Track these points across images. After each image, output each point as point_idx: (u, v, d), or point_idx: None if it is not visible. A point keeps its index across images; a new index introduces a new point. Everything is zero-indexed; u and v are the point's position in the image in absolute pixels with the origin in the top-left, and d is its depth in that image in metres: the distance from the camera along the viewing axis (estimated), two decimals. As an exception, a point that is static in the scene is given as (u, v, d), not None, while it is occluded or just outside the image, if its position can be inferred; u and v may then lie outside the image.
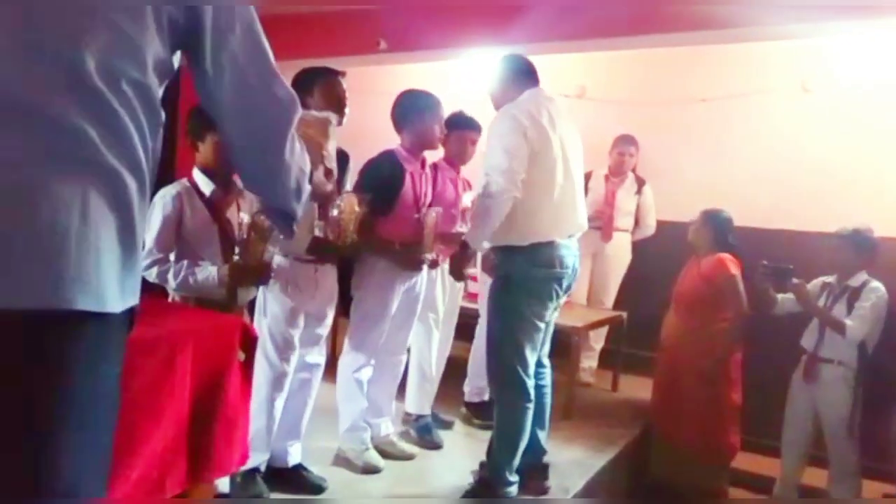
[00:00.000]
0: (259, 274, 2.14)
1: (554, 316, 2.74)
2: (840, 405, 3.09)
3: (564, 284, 2.62)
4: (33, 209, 0.90)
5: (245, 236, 2.06)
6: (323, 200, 2.26)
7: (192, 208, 2.18)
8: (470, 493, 2.70)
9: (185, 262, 2.14)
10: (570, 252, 2.62)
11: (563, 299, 2.77)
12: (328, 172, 1.94)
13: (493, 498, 2.63)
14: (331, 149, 1.73)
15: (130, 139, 0.98)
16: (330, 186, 2.03)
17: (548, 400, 2.84)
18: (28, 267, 0.89)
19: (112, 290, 0.97)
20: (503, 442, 2.64)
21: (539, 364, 2.75)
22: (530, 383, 2.60)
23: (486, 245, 2.73)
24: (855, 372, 3.07)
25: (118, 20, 0.96)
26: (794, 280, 3.21)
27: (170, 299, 2.24)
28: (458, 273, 2.70)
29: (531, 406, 2.62)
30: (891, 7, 3.21)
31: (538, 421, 2.77)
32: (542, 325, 2.62)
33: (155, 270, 2.12)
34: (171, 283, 2.15)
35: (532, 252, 2.53)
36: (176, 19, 1.02)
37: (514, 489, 2.65)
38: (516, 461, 2.64)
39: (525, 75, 2.71)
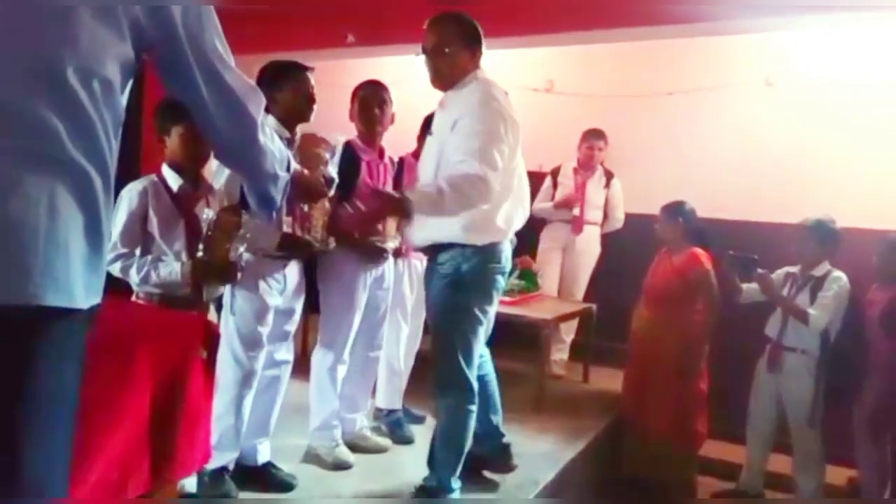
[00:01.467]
0: (224, 272, 2.11)
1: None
2: (803, 393, 3.16)
3: (506, 276, 2.55)
4: (1, 205, 0.90)
5: (209, 233, 2.03)
6: (310, 199, 2.29)
7: (158, 203, 2.15)
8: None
9: (149, 258, 2.11)
10: (510, 244, 2.54)
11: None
12: (328, 181, 2.11)
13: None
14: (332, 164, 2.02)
15: (97, 137, 1.01)
16: (328, 192, 2.18)
17: (494, 387, 2.73)
18: None
19: (79, 287, 0.99)
20: (448, 447, 2.50)
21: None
22: (476, 385, 2.48)
23: (421, 241, 2.54)
24: (817, 360, 3.14)
25: (95, 23, 0.99)
26: (759, 270, 3.26)
27: (133, 297, 2.21)
28: (365, 225, 2.47)
29: (475, 408, 2.48)
30: (849, 3, 3.27)
31: (490, 407, 2.68)
32: (486, 321, 2.49)
33: (119, 265, 2.09)
34: (134, 278, 2.11)
35: (486, 250, 2.38)
36: (145, 24, 1.06)
37: (457, 494, 2.52)
38: (459, 467, 2.50)
39: (478, 42, 2.41)
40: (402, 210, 2.22)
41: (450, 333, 2.44)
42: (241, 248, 2.11)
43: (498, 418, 2.76)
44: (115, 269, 2.09)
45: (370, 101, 2.88)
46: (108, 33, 1.01)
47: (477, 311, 2.41)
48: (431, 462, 2.57)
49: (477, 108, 2.27)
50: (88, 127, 0.99)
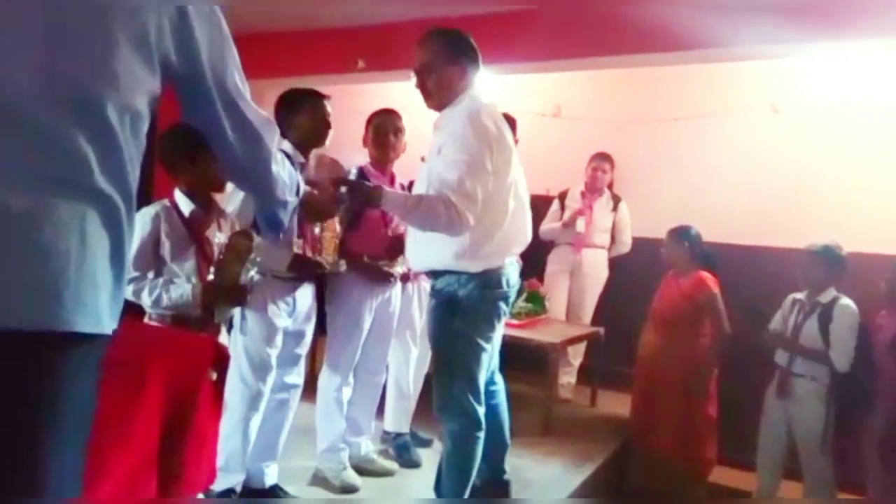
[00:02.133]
0: (234, 295, 2.13)
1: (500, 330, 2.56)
2: (813, 420, 3.12)
3: (510, 302, 2.45)
4: (35, 233, 0.93)
5: (221, 256, 2.07)
6: (320, 218, 2.34)
7: (170, 227, 2.16)
8: None
9: (160, 280, 2.13)
10: (515, 268, 2.42)
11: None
12: (334, 199, 2.17)
13: None
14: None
15: (124, 167, 1.04)
16: (336, 212, 2.26)
17: (504, 418, 2.63)
18: (29, 290, 0.93)
19: (105, 312, 1.03)
20: (453, 475, 2.41)
21: (491, 382, 2.57)
22: (481, 410, 2.38)
23: (417, 267, 2.51)
24: (828, 387, 3.11)
25: (132, 60, 1.03)
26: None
27: (146, 318, 2.23)
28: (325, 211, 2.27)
29: (482, 435, 2.39)
30: (856, 30, 3.31)
31: (496, 439, 2.55)
32: (489, 348, 2.40)
33: (131, 287, 2.11)
34: (146, 301, 2.13)
35: (483, 277, 2.29)
36: (174, 60, 1.11)
37: None
38: (466, 493, 2.41)
39: (472, 61, 2.31)
40: (365, 195, 2.23)
41: (449, 360, 2.38)
42: (252, 272, 2.13)
43: (502, 453, 2.65)
44: (128, 292, 2.10)
45: (385, 128, 2.94)
46: (142, 69, 1.05)
47: (477, 338, 2.33)
48: (438, 488, 2.51)
49: (460, 135, 2.17)
50: (117, 157, 1.03)
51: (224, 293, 2.09)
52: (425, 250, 2.36)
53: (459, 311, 2.32)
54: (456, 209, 2.11)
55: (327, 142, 2.61)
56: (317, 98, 2.58)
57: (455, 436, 2.39)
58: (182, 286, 2.10)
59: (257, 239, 2.07)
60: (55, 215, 0.95)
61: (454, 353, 2.36)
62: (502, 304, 2.38)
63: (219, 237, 2.11)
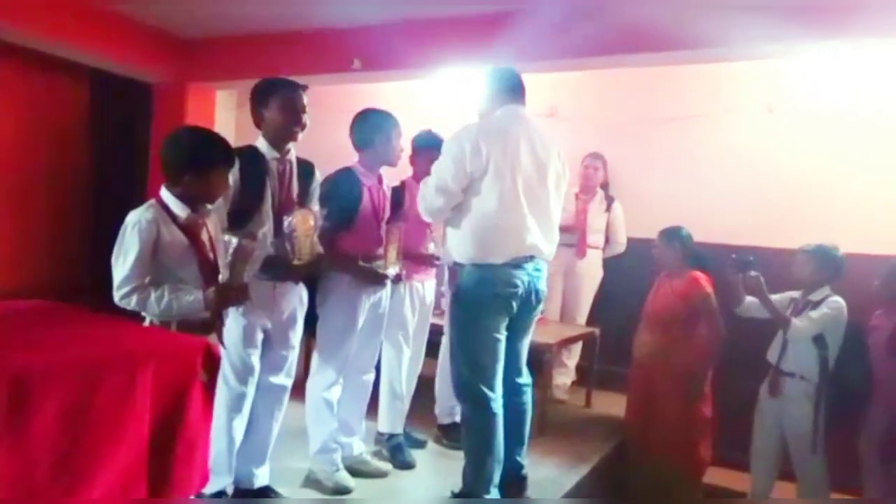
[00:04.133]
0: (241, 293, 2.11)
1: (524, 331, 2.76)
2: (802, 419, 3.12)
3: (515, 303, 2.60)
4: None
5: (232, 260, 2.06)
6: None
7: (168, 233, 2.07)
8: None
9: (166, 288, 2.02)
10: (524, 272, 2.59)
11: (536, 316, 2.79)
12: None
13: None
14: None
15: None
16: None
17: (526, 417, 2.81)
18: None
19: None
20: (469, 455, 2.64)
21: (516, 382, 2.76)
22: (493, 395, 2.57)
23: (449, 260, 2.78)
24: (816, 386, 3.11)
25: None
26: (752, 272, 3.21)
27: (146, 324, 2.17)
28: None
29: (495, 419, 2.58)
30: (852, 29, 3.31)
31: (516, 437, 2.75)
32: (499, 337, 2.59)
33: (135, 298, 1.99)
34: (154, 310, 2.01)
35: (486, 270, 2.56)
36: None
37: None
38: (489, 476, 2.59)
39: (505, 92, 2.72)
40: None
41: (457, 347, 2.65)
42: (252, 271, 2.19)
43: (522, 449, 2.81)
44: (131, 303, 2.00)
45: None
46: None
47: (478, 325, 2.57)
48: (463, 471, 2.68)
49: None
50: None
51: (233, 293, 2.07)
52: (449, 244, 2.73)
53: (459, 299, 2.64)
54: (422, 207, 2.70)
55: (300, 135, 2.50)
56: (291, 88, 2.47)
57: (465, 418, 2.68)
58: (192, 291, 2.04)
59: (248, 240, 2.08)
60: None
61: (462, 341, 2.63)
62: (504, 302, 2.57)
63: (231, 240, 2.08)
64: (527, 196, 2.57)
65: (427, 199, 2.64)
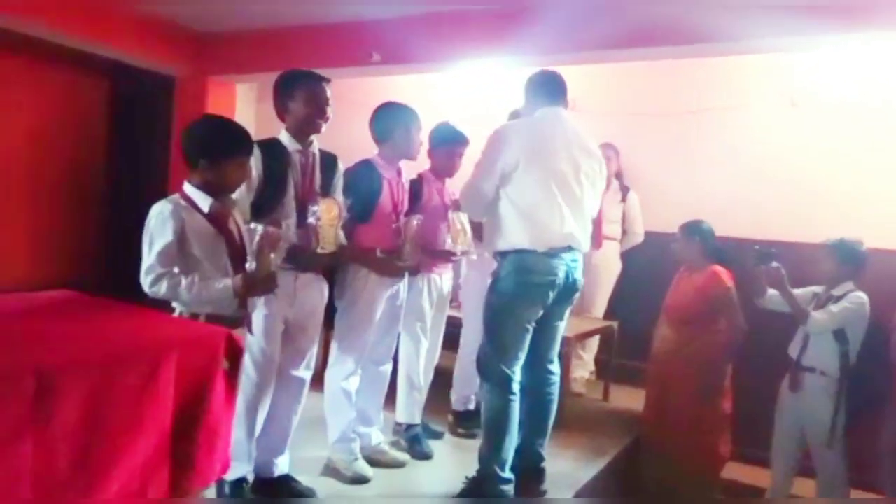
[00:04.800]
0: (269, 282, 2.13)
1: (559, 318, 2.82)
2: (822, 415, 3.09)
3: (553, 293, 2.66)
4: None
5: (258, 247, 2.07)
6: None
7: (195, 223, 2.09)
8: (463, 493, 2.73)
9: (195, 277, 2.03)
10: (562, 262, 2.66)
11: (572, 304, 2.85)
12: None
13: (486, 496, 2.66)
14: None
15: None
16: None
17: (552, 408, 2.87)
18: None
19: None
20: (487, 433, 2.72)
21: (546, 370, 2.84)
22: (513, 377, 2.67)
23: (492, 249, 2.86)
24: (837, 382, 3.08)
25: None
26: (774, 264, 3.18)
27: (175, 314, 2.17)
28: None
29: (513, 400, 2.67)
30: (878, 22, 3.25)
31: (539, 427, 2.83)
32: (528, 328, 2.68)
33: (165, 284, 2.00)
34: (184, 297, 2.03)
35: (513, 258, 2.65)
36: None
37: (508, 487, 2.67)
38: (504, 456, 2.67)
39: (543, 94, 2.81)
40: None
41: (485, 325, 2.74)
42: (279, 259, 2.22)
43: (542, 441, 2.87)
44: (161, 291, 2.01)
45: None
46: None
47: (509, 311, 2.67)
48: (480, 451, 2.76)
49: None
50: None
51: (261, 281, 2.09)
52: (486, 235, 2.85)
53: (495, 284, 2.73)
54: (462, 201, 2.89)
55: (324, 127, 2.52)
56: (315, 80, 2.49)
57: (484, 396, 2.75)
58: (221, 279, 2.07)
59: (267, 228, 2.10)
60: None
61: (492, 323, 2.72)
62: (539, 291, 2.65)
63: (257, 228, 2.09)
64: (561, 189, 2.65)
65: (465, 197, 2.79)
